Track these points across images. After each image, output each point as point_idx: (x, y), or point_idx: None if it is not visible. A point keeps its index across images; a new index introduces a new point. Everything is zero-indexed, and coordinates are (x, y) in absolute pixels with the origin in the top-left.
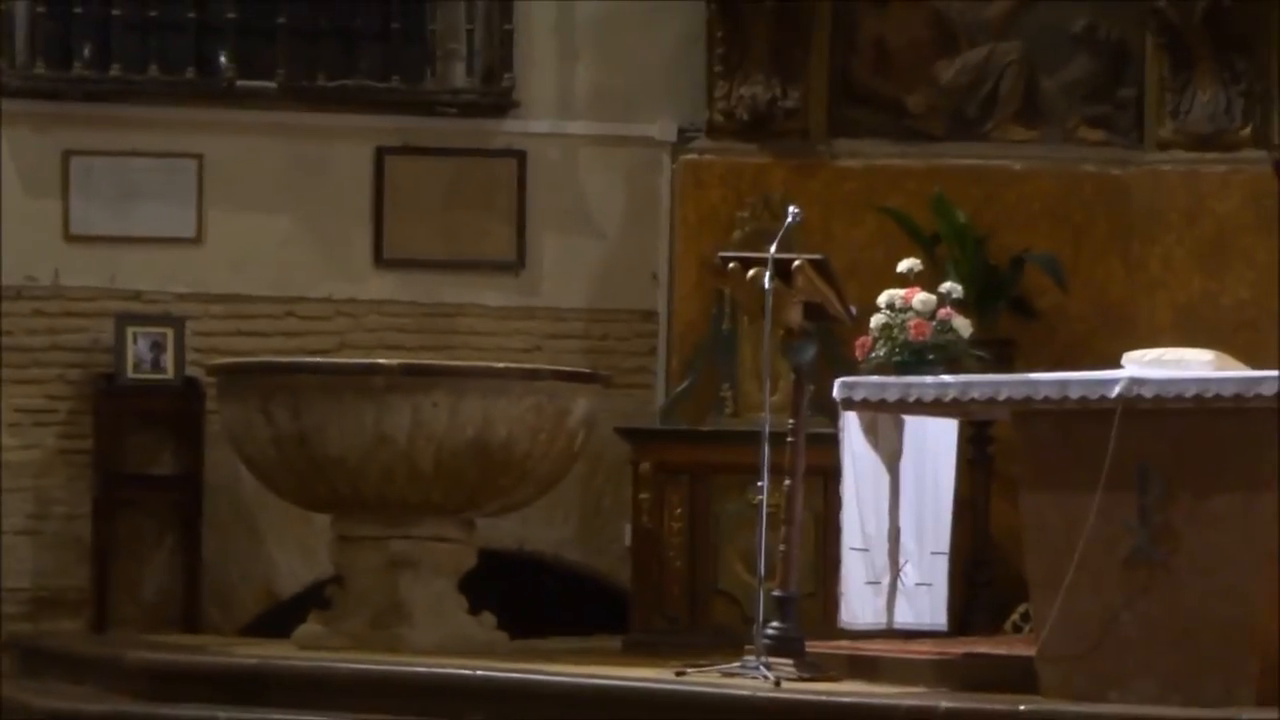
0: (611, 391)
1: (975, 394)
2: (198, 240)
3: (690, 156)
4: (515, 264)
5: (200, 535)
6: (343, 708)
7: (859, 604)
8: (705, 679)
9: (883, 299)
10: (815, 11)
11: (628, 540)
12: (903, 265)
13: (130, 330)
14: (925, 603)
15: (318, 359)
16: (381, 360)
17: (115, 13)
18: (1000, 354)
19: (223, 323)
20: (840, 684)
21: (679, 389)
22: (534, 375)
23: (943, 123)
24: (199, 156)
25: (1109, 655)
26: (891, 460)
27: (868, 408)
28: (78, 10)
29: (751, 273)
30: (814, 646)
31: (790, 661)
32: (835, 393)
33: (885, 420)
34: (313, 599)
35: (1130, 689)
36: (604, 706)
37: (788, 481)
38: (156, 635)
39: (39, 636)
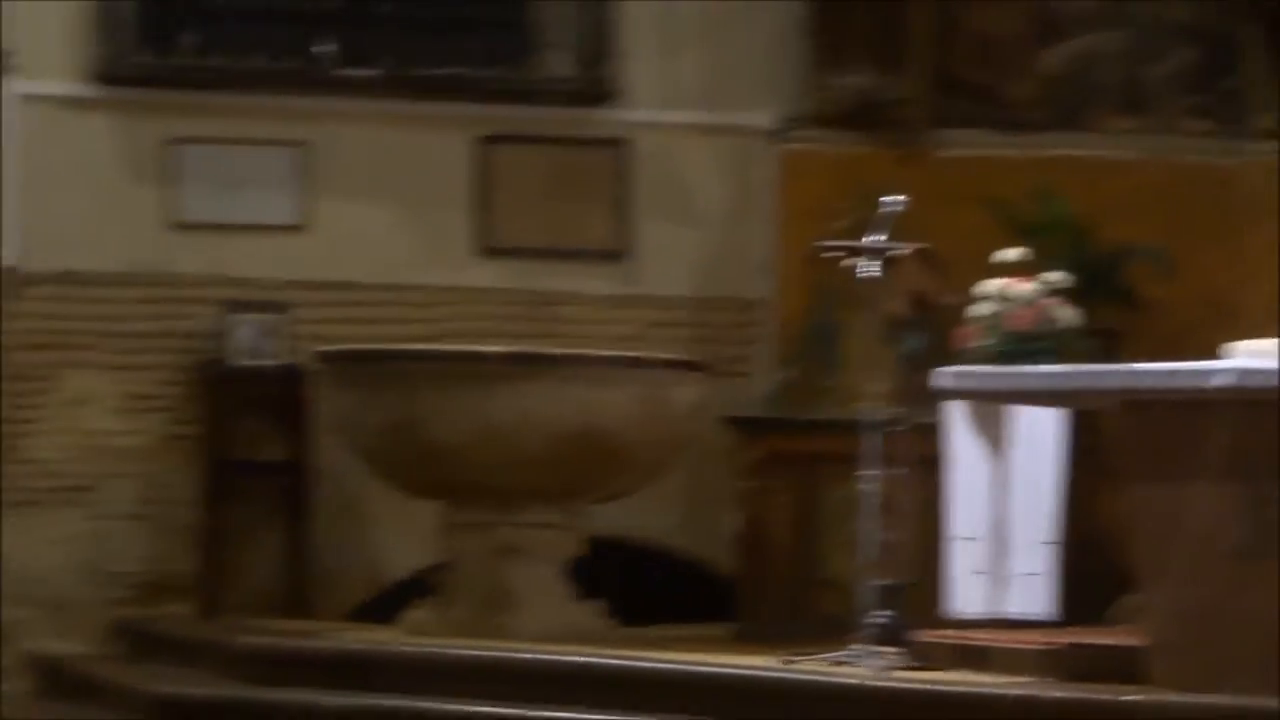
0: (715, 380)
1: (1081, 384)
2: (302, 228)
3: (792, 146)
4: (617, 253)
5: (307, 521)
6: (450, 693)
7: (966, 593)
8: (812, 667)
9: (987, 288)
10: (917, 1)
11: (733, 529)
12: (1005, 255)
13: (236, 317)
14: (1033, 592)
15: (425, 346)
16: (489, 348)
17: (220, 1)
18: (1104, 344)
19: (327, 310)
20: (947, 673)
21: (784, 378)
22: (638, 363)
23: (1045, 113)
24: (303, 144)
25: (1217, 647)
26: (997, 449)
27: (971, 397)
28: None
29: (853, 262)
30: (920, 636)
31: (897, 650)
32: (938, 383)
33: (990, 410)
34: (419, 586)
35: (1238, 681)
36: (711, 694)
37: (894, 470)
38: (264, 620)
39: (147, 621)
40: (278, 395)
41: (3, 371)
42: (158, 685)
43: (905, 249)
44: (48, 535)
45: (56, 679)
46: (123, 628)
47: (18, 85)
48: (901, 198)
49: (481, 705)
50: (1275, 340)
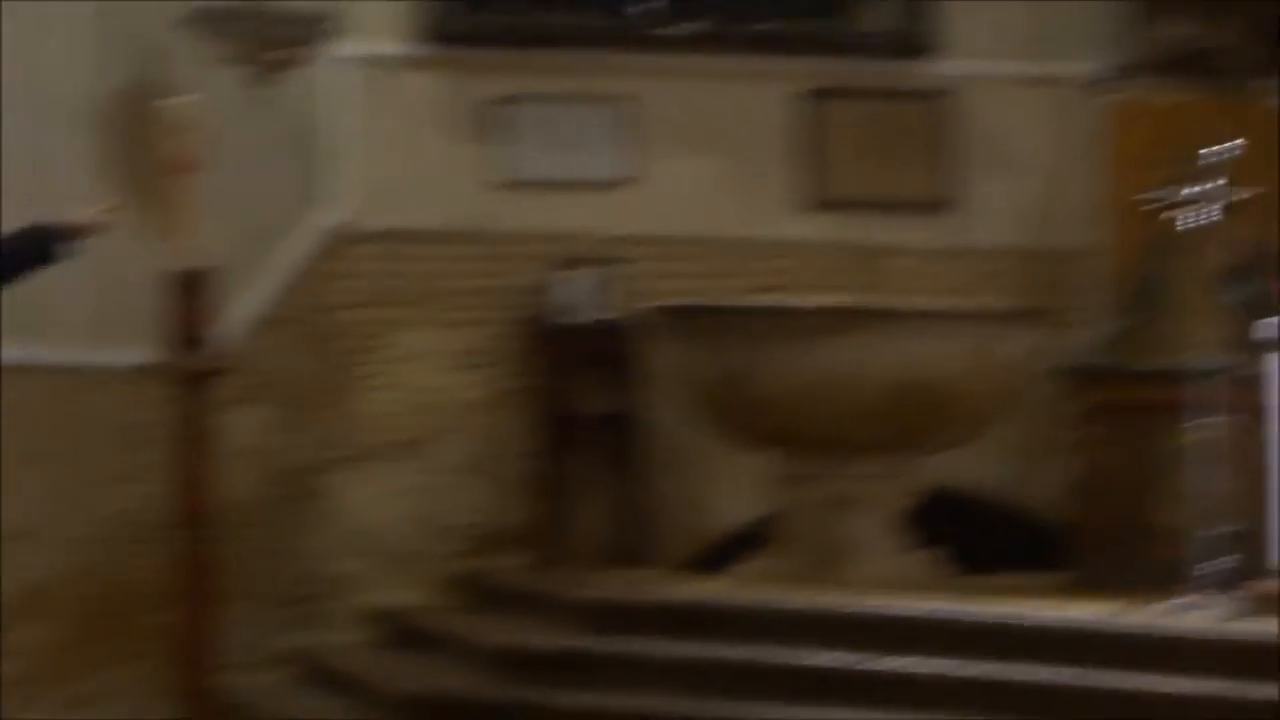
0: (1043, 330)
1: None
2: (628, 183)
3: (1117, 96)
4: (942, 204)
5: (639, 474)
6: (784, 643)
7: None
8: (1145, 617)
9: None
10: None
11: (1064, 478)
12: None
13: (564, 273)
14: None
15: (755, 300)
16: (818, 301)
17: None
18: None
19: (656, 265)
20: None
21: (1113, 327)
22: (967, 314)
23: None
24: (629, 100)
25: None
26: None
27: None
28: None
29: (1178, 211)
30: (1252, 585)
31: (1228, 599)
32: (1263, 333)
33: None
34: (751, 537)
35: None
36: (1045, 644)
37: (1223, 419)
38: (599, 572)
39: (484, 573)
40: (607, 349)
41: (338, 329)
42: (495, 636)
43: (1238, 196)
44: (384, 489)
45: (395, 630)
46: (460, 579)
47: (349, 46)
48: (1237, 142)
49: (816, 655)
50: None
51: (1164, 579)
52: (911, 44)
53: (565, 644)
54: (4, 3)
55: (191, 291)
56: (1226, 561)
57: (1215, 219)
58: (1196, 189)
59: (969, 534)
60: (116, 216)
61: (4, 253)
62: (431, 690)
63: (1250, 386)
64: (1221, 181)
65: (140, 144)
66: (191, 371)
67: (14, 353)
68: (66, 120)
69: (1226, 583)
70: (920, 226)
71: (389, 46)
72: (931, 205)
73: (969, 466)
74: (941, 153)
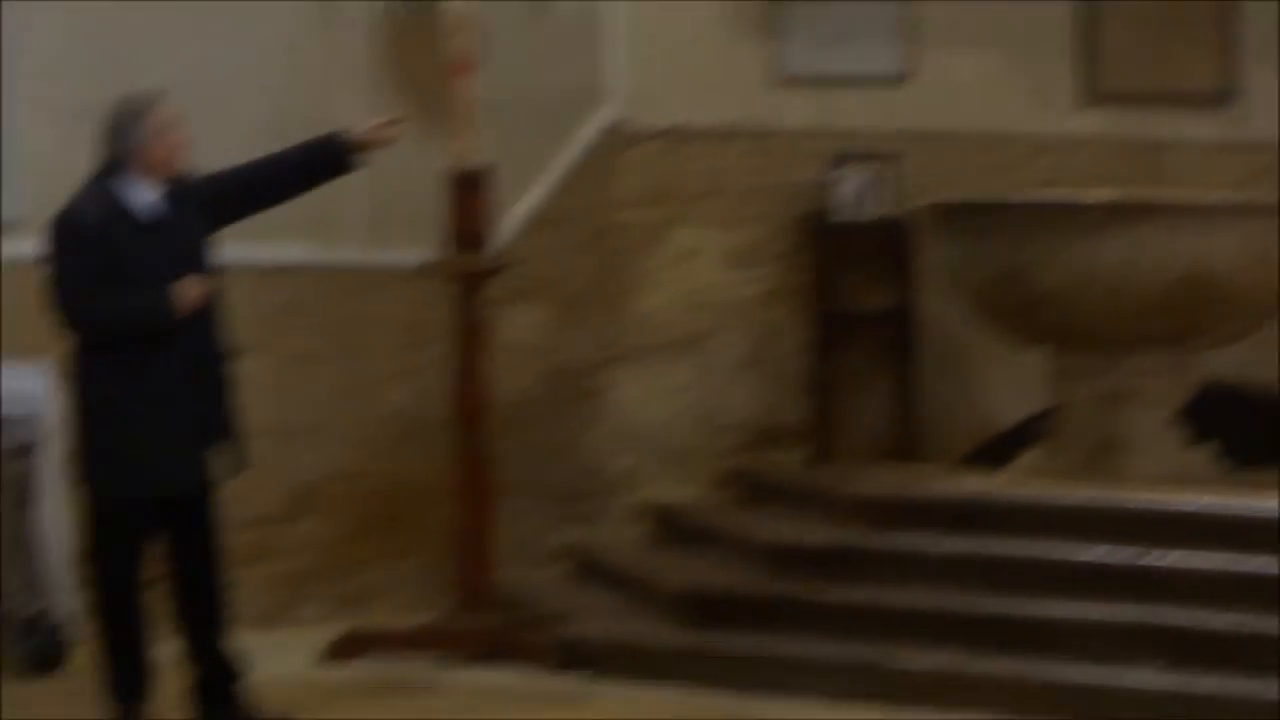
0: None
1: None
2: (906, 78)
3: None
4: (1223, 97)
5: (914, 370)
6: (1060, 537)
7: None
8: None
9: None
10: None
11: None
12: None
13: (841, 169)
14: None
15: (1031, 195)
16: (1097, 195)
17: None
18: None
19: (931, 160)
20: None
21: None
22: (1248, 209)
23: None
24: None
25: None
26: None
27: None
28: None
29: None
30: None
31: None
32: None
33: None
34: (1026, 432)
35: None
36: None
37: None
38: (873, 467)
39: (761, 470)
40: (883, 245)
41: (615, 228)
42: (768, 531)
43: None
44: (661, 386)
45: (671, 526)
46: (733, 475)
47: None
48: None
49: (1090, 550)
50: None
51: None
52: None
53: (838, 539)
54: None
55: (470, 192)
56: None
57: None
58: None
59: (1244, 428)
60: (403, 130)
61: (299, 162)
62: (705, 585)
63: None
64: None
65: (420, 47)
66: (470, 271)
67: (299, 253)
68: (349, 26)
69: None
70: (1200, 120)
71: None
72: (1212, 98)
73: (1247, 361)
74: (1224, 44)
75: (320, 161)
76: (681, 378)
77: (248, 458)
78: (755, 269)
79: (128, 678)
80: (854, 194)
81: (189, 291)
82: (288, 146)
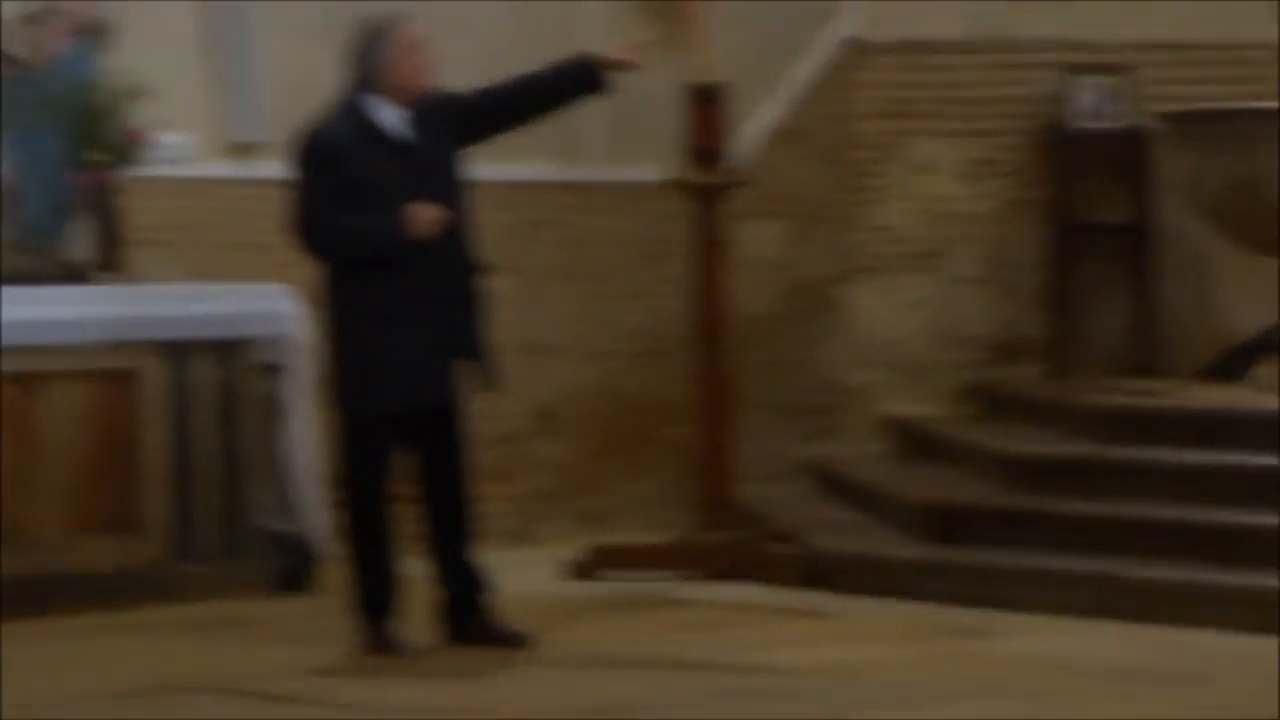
0: None
1: None
2: None
3: None
4: None
5: (1152, 282)
6: None
7: None
8: None
9: None
10: None
11: None
12: None
13: (1078, 80)
14: None
15: (1267, 104)
16: None
17: None
18: None
19: (1167, 70)
20: None
21: None
22: None
23: None
24: None
25: None
26: None
27: None
28: None
29: None
30: None
31: None
32: None
33: None
34: (1267, 344)
35: None
36: None
37: None
38: (1111, 380)
39: (997, 383)
40: (1120, 157)
41: (852, 141)
42: (1008, 444)
43: None
44: (898, 300)
45: (910, 440)
46: (973, 389)
47: None
48: None
49: None
50: None
51: None
52: None
53: (1077, 451)
54: None
55: (708, 107)
56: None
57: None
58: None
59: None
60: (650, 54)
61: (551, 83)
62: (944, 498)
63: None
64: None
65: None
66: (708, 186)
67: (543, 171)
68: None
69: None
70: None
71: None
72: None
73: None
74: None
75: (572, 82)
76: (919, 292)
77: (498, 375)
78: (994, 181)
79: (377, 595)
80: (1091, 106)
81: (422, 215)
82: (538, 68)
